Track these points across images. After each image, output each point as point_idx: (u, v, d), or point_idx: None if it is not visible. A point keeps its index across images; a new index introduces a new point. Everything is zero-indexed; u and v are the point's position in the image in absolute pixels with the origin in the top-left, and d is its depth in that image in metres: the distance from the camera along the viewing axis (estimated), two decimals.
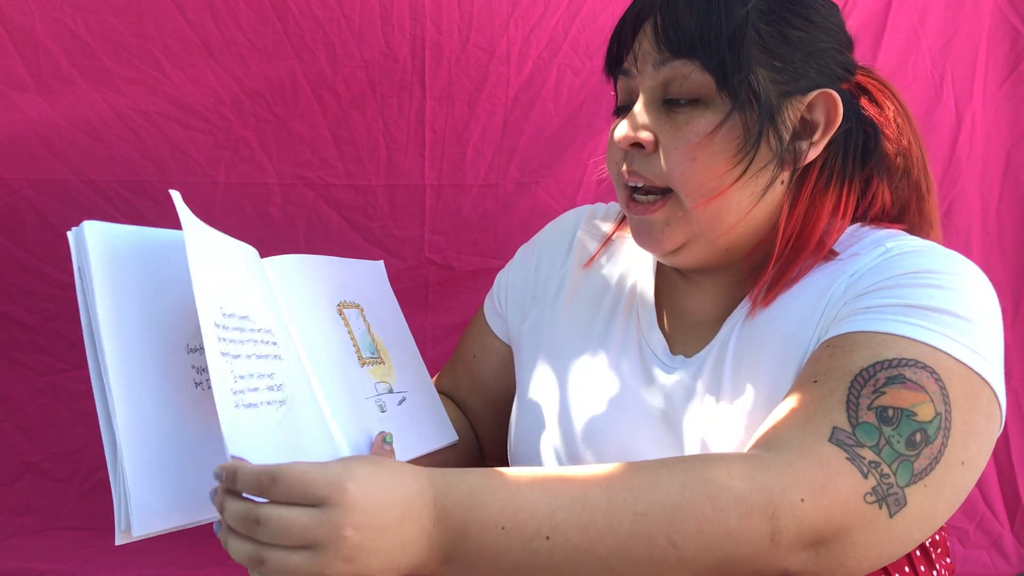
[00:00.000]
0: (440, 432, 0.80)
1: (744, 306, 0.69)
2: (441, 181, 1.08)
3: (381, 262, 0.88)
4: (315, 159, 1.04)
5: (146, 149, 0.99)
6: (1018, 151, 1.26)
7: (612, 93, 1.11)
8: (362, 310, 0.79)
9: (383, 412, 0.73)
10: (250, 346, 0.59)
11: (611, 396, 0.73)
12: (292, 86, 1.01)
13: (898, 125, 0.70)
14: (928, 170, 0.73)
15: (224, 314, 0.57)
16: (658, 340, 0.73)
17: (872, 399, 0.55)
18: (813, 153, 0.66)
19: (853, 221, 0.70)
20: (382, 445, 0.67)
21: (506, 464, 0.93)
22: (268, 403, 0.58)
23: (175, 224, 1.09)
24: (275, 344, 0.63)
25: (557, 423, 0.74)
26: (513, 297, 0.86)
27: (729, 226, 0.66)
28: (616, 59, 0.70)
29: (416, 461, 0.78)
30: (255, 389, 0.57)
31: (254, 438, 0.54)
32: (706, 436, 0.67)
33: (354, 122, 1.04)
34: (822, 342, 0.61)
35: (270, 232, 1.05)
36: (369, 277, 0.85)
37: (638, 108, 0.67)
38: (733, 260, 0.70)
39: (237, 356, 0.56)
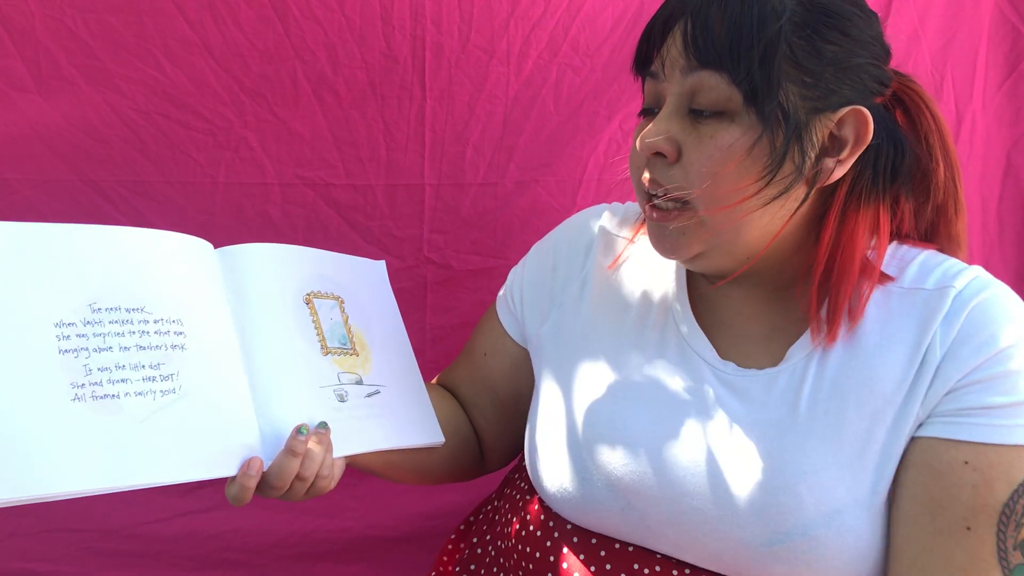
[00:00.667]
0: (421, 431, 0.79)
1: (812, 336, 0.67)
2: (441, 180, 1.08)
3: (383, 262, 0.88)
4: (315, 159, 1.04)
5: (146, 149, 0.99)
6: (1018, 151, 1.25)
7: (613, 91, 1.11)
8: (341, 302, 0.79)
9: (342, 402, 0.73)
10: (132, 337, 0.62)
11: (646, 396, 0.72)
12: (292, 86, 1.01)
13: (927, 143, 0.68)
14: (959, 191, 0.71)
15: (93, 308, 0.61)
16: (703, 343, 0.72)
17: (1016, 536, 0.58)
18: (840, 171, 0.64)
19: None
20: (295, 435, 0.66)
21: (508, 465, 0.93)
22: (139, 393, 0.61)
23: (176, 223, 1.09)
24: (180, 334, 0.65)
25: (584, 424, 0.73)
26: (529, 298, 0.85)
27: (743, 236, 0.65)
28: (645, 60, 0.68)
29: (398, 457, 0.78)
30: (123, 380, 0.60)
31: (85, 433, 0.57)
32: (715, 445, 0.66)
33: (354, 122, 1.04)
34: (948, 440, 0.61)
35: (270, 232, 1.05)
36: (364, 274, 0.85)
37: (663, 115, 0.65)
38: (754, 270, 0.69)
39: (107, 348, 0.60)
